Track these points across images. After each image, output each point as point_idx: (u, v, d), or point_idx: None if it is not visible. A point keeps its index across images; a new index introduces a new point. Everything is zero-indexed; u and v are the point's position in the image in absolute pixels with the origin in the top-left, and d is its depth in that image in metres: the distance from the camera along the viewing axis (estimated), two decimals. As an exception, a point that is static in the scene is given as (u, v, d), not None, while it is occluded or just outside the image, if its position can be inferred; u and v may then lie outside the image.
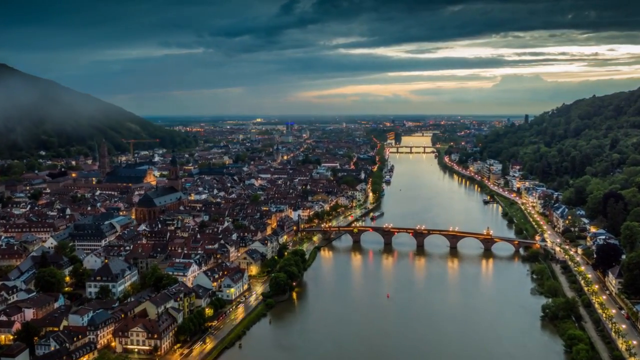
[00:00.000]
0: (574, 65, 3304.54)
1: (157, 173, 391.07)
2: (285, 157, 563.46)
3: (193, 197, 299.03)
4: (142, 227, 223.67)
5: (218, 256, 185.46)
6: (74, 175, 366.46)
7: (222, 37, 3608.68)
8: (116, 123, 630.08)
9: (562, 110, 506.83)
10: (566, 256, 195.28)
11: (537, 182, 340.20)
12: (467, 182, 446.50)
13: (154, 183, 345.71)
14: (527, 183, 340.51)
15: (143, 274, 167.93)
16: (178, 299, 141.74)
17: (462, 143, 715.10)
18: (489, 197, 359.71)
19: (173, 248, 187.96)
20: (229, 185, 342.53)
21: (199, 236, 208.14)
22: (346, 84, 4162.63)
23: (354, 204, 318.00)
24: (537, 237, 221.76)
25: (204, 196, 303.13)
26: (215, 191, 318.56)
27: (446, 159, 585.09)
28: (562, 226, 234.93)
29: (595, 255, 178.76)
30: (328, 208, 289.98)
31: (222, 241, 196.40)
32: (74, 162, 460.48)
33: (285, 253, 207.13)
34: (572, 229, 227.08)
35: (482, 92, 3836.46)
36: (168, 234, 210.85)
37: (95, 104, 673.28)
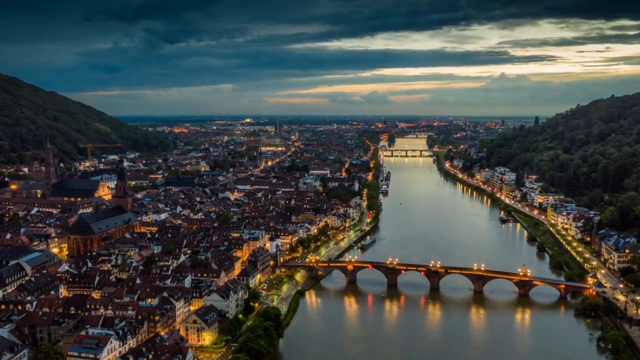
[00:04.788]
0: (577, 66, 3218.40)
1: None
2: (269, 163, 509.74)
3: (150, 217, 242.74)
4: (65, 267, 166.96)
5: (156, 318, 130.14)
6: (13, 187, 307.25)
7: (116, 22, 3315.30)
8: (83, 124, 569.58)
9: (577, 112, 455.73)
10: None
11: (563, 196, 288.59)
12: (475, 193, 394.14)
13: (107, 198, 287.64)
14: (551, 198, 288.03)
15: (37, 355, 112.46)
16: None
17: (461, 146, 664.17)
18: (502, 212, 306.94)
19: (93, 305, 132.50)
20: (197, 200, 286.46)
21: (138, 281, 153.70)
22: (330, 83, 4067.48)
23: (347, 224, 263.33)
24: (590, 280, 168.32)
25: (163, 216, 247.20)
26: (180, 208, 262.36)
27: (447, 165, 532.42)
28: (617, 262, 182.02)
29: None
30: (316, 231, 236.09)
31: (165, 293, 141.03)
32: (26, 169, 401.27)
33: (256, 305, 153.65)
34: (634, 266, 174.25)
35: (470, 92, 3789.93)
36: (97, 278, 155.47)
37: (61, 103, 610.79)
